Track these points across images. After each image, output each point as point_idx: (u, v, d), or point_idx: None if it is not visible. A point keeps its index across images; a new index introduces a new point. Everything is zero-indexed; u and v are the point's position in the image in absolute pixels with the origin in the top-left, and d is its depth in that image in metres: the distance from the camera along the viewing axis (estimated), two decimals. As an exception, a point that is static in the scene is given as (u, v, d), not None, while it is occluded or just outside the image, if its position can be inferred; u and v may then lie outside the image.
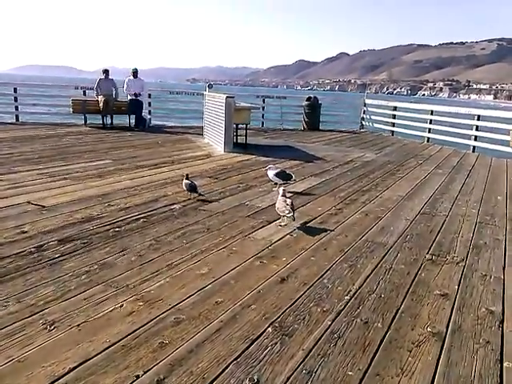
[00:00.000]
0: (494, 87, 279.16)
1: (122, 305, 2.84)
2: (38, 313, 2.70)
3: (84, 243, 3.84)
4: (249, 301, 2.98)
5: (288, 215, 4.47)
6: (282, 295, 3.10)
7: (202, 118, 12.02)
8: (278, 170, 6.09)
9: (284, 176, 6.06)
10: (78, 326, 2.59)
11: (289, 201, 4.59)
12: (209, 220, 4.67)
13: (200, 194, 5.45)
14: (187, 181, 5.51)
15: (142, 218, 4.60)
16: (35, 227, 4.16)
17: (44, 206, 4.81)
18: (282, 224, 4.61)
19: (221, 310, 2.84)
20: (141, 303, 2.87)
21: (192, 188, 5.44)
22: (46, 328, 2.54)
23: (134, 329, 2.58)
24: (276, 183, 6.13)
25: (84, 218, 4.48)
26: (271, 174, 6.03)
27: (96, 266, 3.39)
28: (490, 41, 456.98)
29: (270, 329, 2.66)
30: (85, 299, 2.89)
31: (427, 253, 4.09)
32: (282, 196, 4.64)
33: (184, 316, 2.74)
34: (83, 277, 3.20)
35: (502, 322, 2.93)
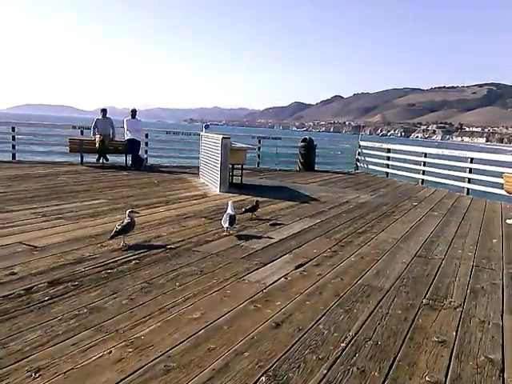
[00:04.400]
0: (486, 130, 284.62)
1: (111, 351, 2.75)
2: (23, 359, 2.60)
3: (74, 285, 3.76)
4: (242, 347, 2.90)
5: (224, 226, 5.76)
6: (277, 341, 3.02)
7: (198, 158, 12.10)
8: (229, 219, 5.80)
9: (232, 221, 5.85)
10: (65, 373, 2.49)
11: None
12: (202, 262, 4.60)
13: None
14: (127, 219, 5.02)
15: (134, 259, 4.53)
16: (25, 268, 4.08)
17: (36, 247, 4.74)
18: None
19: (213, 358, 2.75)
20: (130, 349, 2.78)
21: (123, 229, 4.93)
22: (31, 376, 2.45)
23: (122, 377, 2.49)
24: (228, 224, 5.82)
25: (75, 259, 4.41)
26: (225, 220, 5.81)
27: (85, 310, 3.30)
28: (481, 85, 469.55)
29: (263, 378, 2.57)
30: (73, 345, 2.80)
31: (424, 297, 4.03)
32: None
33: (174, 364, 2.65)
34: (72, 321, 3.11)
35: (502, 371, 2.85)
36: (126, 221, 5.03)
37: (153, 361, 2.67)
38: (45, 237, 5.14)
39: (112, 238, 4.92)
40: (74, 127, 14.45)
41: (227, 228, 5.81)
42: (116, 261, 4.45)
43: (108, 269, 4.20)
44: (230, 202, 6.09)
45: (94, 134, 12.68)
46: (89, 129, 13.25)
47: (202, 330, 3.09)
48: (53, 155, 14.58)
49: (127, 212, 5.15)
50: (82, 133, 13.88)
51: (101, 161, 12.76)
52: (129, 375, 2.50)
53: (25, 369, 2.51)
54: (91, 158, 13.21)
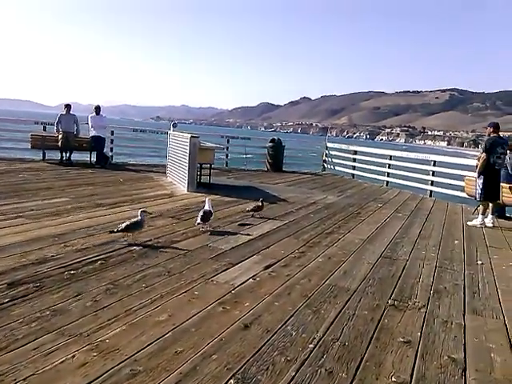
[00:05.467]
0: (447, 134, 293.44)
1: (74, 355, 2.66)
2: (-20, 365, 2.49)
3: (36, 287, 3.62)
4: (210, 350, 2.86)
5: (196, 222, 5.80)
6: (245, 343, 2.99)
7: (165, 157, 11.94)
8: (202, 214, 5.96)
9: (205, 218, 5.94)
10: (25, 379, 2.39)
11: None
12: (170, 262, 4.53)
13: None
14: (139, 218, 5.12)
15: (99, 259, 4.41)
16: (-17, 269, 3.90)
17: (-6, 246, 4.55)
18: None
19: (180, 361, 2.70)
20: (94, 353, 2.70)
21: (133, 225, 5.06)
22: (-12, 382, 2.34)
23: (86, 382, 2.41)
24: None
25: (37, 260, 4.25)
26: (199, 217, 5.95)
27: (48, 312, 3.19)
28: (443, 91, 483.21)
29: (232, 381, 2.54)
30: (34, 349, 2.69)
31: (389, 298, 4.10)
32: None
33: (141, 367, 2.59)
34: (33, 324, 3.00)
35: (464, 370, 2.93)
36: (133, 219, 5.10)
37: (118, 365, 2.60)
38: (4, 236, 4.94)
39: (111, 232, 5.03)
40: (36, 123, 13.95)
41: (198, 223, 5.88)
42: (80, 261, 4.32)
43: (71, 269, 4.08)
44: (207, 199, 6.29)
45: (58, 131, 12.29)
46: (52, 125, 12.83)
47: (170, 333, 3.04)
48: (13, 151, 13.97)
49: (139, 211, 5.19)
50: (44, 129, 13.43)
51: (64, 159, 12.38)
52: (93, 380, 2.43)
53: (-18, 375, 2.40)
54: (54, 155, 12.80)
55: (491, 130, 8.18)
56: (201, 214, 5.95)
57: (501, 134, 8.32)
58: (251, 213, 7.11)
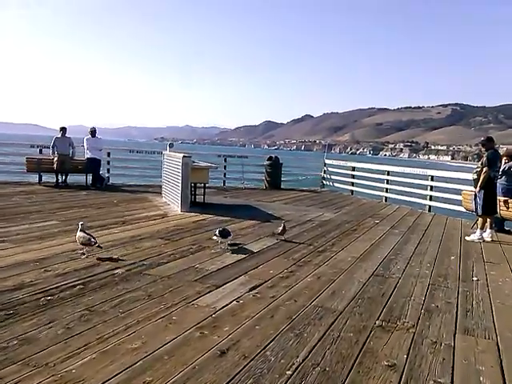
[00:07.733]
0: (451, 148, 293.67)
1: (36, 388, 2.53)
2: None
3: (8, 314, 3.50)
4: (181, 380, 2.72)
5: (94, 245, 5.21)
6: (219, 371, 2.85)
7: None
8: (221, 229, 6.24)
9: (223, 234, 6.16)
10: (-21, 415, 2.26)
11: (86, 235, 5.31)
12: (152, 286, 4.40)
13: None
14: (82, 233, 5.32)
15: (78, 284, 4.28)
16: (-44, 297, 3.79)
17: (-28, 273, 4.44)
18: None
19: (147, 392, 2.56)
20: (57, 385, 2.56)
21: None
22: None
23: (43, 418, 2.27)
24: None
25: (14, 286, 4.13)
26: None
27: (16, 342, 3.06)
28: (445, 106, 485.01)
29: (199, 413, 2.39)
30: (-6, 382, 2.56)
31: (377, 318, 3.94)
32: (81, 231, 5.33)
33: (103, 400, 2.45)
34: (-2, 354, 2.87)
35: (450, 396, 2.76)
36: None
37: (80, 398, 2.47)
38: (-16, 261, 4.83)
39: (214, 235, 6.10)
40: (32, 146, 13.98)
41: (215, 235, 6.17)
42: (58, 286, 4.20)
43: (48, 295, 3.96)
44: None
45: (53, 153, 12.30)
46: (48, 147, 12.84)
47: (140, 361, 2.90)
48: (10, 174, 13.98)
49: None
50: (40, 151, 13.44)
51: (60, 181, 12.36)
52: (50, 415, 2.29)
53: None
54: (51, 178, 12.76)
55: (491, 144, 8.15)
56: (220, 229, 6.18)
57: (505, 147, 8.33)
58: (278, 236, 6.93)
